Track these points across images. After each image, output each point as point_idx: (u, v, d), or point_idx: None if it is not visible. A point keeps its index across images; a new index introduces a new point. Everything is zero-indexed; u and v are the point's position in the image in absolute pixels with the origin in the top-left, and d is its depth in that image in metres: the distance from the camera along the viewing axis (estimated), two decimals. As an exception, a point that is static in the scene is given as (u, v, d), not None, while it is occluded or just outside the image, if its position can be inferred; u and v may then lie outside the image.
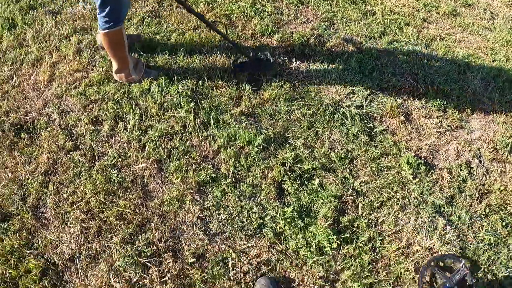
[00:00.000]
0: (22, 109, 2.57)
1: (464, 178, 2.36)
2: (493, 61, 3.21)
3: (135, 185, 2.18)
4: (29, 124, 2.48)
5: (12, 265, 1.88)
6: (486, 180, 2.38)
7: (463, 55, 3.20)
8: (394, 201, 2.20)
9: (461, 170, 2.39)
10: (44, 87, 2.71)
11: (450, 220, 2.16)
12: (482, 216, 2.20)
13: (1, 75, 2.80)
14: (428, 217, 2.15)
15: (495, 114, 2.77)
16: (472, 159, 2.48)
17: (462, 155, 2.51)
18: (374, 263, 1.98)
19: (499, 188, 2.32)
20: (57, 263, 1.91)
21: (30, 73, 2.81)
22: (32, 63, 2.88)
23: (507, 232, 2.14)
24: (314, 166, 2.26)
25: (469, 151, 2.53)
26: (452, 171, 2.39)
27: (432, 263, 1.94)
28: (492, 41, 3.49)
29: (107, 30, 2.29)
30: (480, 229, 2.15)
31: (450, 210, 2.21)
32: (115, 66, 2.56)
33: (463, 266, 1.90)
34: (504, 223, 2.16)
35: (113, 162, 2.26)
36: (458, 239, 2.08)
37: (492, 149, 2.53)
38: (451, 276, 1.89)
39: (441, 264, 1.99)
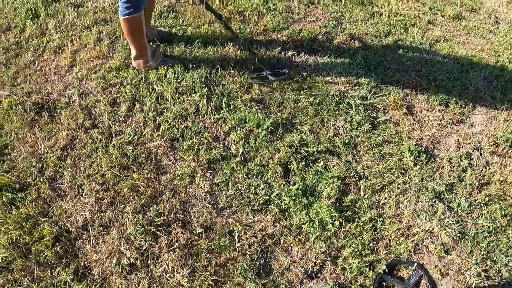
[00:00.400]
0: (43, 90, 2.73)
1: (464, 168, 2.43)
2: (496, 62, 3.29)
3: (149, 161, 2.30)
4: (50, 104, 2.63)
5: (26, 231, 2.00)
6: (486, 171, 2.44)
7: (466, 56, 3.29)
8: (395, 185, 2.28)
9: (461, 160, 2.46)
10: (65, 71, 2.87)
11: (450, 206, 2.23)
12: (482, 204, 2.26)
13: (24, 60, 2.97)
14: (428, 202, 2.22)
15: (496, 111, 2.85)
16: (473, 151, 2.55)
17: (462, 146, 2.58)
18: (375, 242, 2.05)
19: (499, 179, 2.38)
20: (70, 230, 2.03)
21: (52, 59, 2.98)
22: (54, 50, 3.05)
23: (506, 222, 2.19)
24: (319, 149, 2.37)
25: (470, 143, 2.60)
26: (452, 161, 2.46)
27: (382, 276, 1.96)
28: (496, 44, 3.58)
29: (127, 16, 2.44)
30: (480, 216, 2.21)
31: (450, 197, 2.27)
32: (133, 52, 2.71)
33: (416, 268, 1.95)
34: (503, 213, 2.21)
35: (129, 139, 2.40)
36: (458, 224, 2.14)
37: (492, 143, 2.59)
38: (407, 281, 1.94)
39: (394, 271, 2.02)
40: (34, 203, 2.12)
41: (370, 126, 2.56)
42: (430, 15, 3.87)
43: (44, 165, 2.29)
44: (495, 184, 2.37)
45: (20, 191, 2.18)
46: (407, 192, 2.27)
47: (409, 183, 2.30)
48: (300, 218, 2.08)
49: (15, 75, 2.85)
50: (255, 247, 1.98)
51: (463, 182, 2.36)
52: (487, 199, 2.29)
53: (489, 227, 2.15)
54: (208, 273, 1.88)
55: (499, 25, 3.96)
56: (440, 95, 2.86)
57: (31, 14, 3.42)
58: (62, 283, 1.82)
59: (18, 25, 3.33)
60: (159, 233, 2.00)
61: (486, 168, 2.47)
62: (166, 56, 2.90)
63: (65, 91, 2.72)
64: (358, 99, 2.71)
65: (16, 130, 2.47)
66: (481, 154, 2.55)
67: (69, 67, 2.90)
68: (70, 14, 3.39)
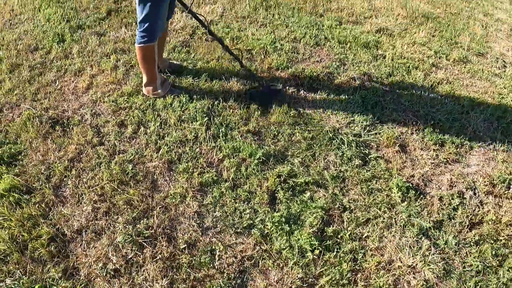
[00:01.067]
0: (60, 107, 3.01)
1: (456, 206, 2.49)
2: (498, 104, 3.37)
3: (146, 179, 2.50)
4: (64, 120, 2.90)
5: (26, 229, 2.20)
6: (479, 211, 2.49)
7: (468, 97, 3.38)
8: (380, 219, 2.39)
9: (452, 199, 2.53)
10: (82, 93, 3.16)
11: (436, 243, 2.27)
12: (472, 243, 2.28)
13: (46, 79, 3.29)
14: (413, 237, 2.29)
15: (495, 153, 2.92)
16: (466, 190, 2.61)
17: (455, 185, 2.65)
18: (354, 274, 2.13)
19: (492, 219, 2.42)
20: (65, 233, 2.21)
21: (71, 80, 3.29)
22: (75, 73, 3.36)
23: (498, 262, 2.20)
24: (307, 181, 2.53)
25: (463, 182, 2.66)
26: (443, 199, 2.53)
27: None
28: (501, 87, 3.68)
29: (142, 45, 2.74)
30: (468, 255, 2.23)
31: (437, 234, 2.33)
32: (144, 79, 3.00)
33: None
34: (495, 253, 2.23)
35: (130, 158, 2.62)
36: (443, 261, 2.18)
37: (488, 183, 2.65)
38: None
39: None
40: (37, 205, 2.33)
41: (360, 161, 2.72)
42: (435, 59, 4.04)
43: (51, 173, 2.52)
44: (487, 223, 2.41)
45: (27, 193, 2.40)
46: (392, 227, 2.36)
47: (395, 218, 2.40)
48: (281, 244, 2.21)
49: (37, 91, 3.15)
50: (234, 267, 2.12)
51: (452, 220, 2.41)
52: (477, 238, 2.32)
53: (477, 266, 2.17)
54: (185, 286, 2.02)
55: (506, 69, 4.07)
56: (435, 134, 2.97)
57: (58, 38, 3.79)
58: (50, 279, 1.98)
59: (45, 47, 3.69)
60: (145, 244, 2.16)
61: (479, 207, 2.52)
62: (174, 86, 3.18)
63: (79, 110, 3.00)
64: (352, 135, 2.89)
65: (30, 140, 2.72)
66: (475, 193, 2.58)
67: (86, 89, 3.19)
68: (93, 41, 3.75)
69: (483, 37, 4.81)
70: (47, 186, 2.44)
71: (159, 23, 2.70)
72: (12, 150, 2.68)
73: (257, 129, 2.87)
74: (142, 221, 2.27)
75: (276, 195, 2.46)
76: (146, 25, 2.65)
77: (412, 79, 3.62)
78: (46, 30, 3.92)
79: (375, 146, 2.89)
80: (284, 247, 2.20)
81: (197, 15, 2.78)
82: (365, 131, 2.98)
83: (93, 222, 2.27)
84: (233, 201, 2.40)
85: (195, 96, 3.07)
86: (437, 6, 5.59)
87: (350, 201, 2.48)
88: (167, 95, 3.06)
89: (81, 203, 2.36)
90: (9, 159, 2.62)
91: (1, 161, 2.59)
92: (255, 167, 2.58)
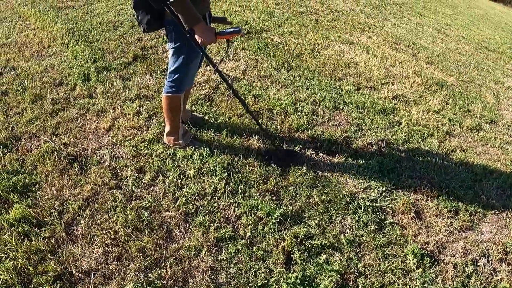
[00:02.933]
0: (79, 145, 3.11)
1: (469, 274, 2.56)
2: (511, 172, 3.53)
3: (161, 228, 2.55)
4: (82, 158, 2.99)
5: (32, 263, 2.21)
6: (492, 278, 2.57)
7: (481, 165, 3.55)
8: (395, 285, 2.42)
9: (466, 266, 2.60)
10: (103, 133, 3.28)
11: None
12: None
13: (68, 115, 3.42)
14: None
15: (508, 220, 3.04)
16: (480, 258, 2.70)
17: (469, 253, 2.73)
18: None
19: (506, 287, 2.49)
20: (73, 273, 2.22)
21: (93, 119, 3.42)
22: (97, 113, 3.51)
23: None
24: (323, 244, 2.59)
25: (477, 250, 2.75)
26: (457, 266, 2.60)
27: None
28: None
29: (169, 95, 2.91)
30: None
31: None
32: (167, 128, 3.13)
33: None
34: None
35: (147, 205, 2.68)
36: None
37: (501, 251, 2.74)
38: None
39: None
40: (46, 240, 2.35)
41: (376, 227, 2.80)
42: (449, 126, 4.28)
43: (65, 209, 2.56)
44: (501, 291, 2.48)
45: (37, 226, 2.44)
46: None
47: (409, 285, 2.44)
48: (295, 307, 2.23)
49: (57, 126, 3.27)
50: (245, 329, 2.12)
51: None
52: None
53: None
54: None
55: (517, 137, 4.30)
56: (450, 202, 3.10)
57: (83, 77, 3.98)
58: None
59: (69, 83, 3.87)
60: (156, 296, 2.17)
61: (492, 275, 2.59)
62: (195, 138, 3.31)
63: (99, 150, 3.10)
64: (368, 200, 3.00)
65: (46, 173, 2.79)
66: (488, 261, 2.68)
67: (107, 130, 3.32)
68: (117, 84, 3.94)
69: (494, 105, 5.15)
70: (58, 222, 2.48)
71: (189, 76, 2.91)
72: (27, 180, 2.74)
73: (275, 188, 2.97)
74: (154, 270, 2.28)
75: (292, 256, 2.51)
76: (176, 76, 2.84)
77: (427, 146, 3.82)
78: (73, 67, 4.13)
79: (391, 212, 2.99)
80: (298, 312, 2.22)
81: (223, 74, 2.96)
82: (381, 196, 3.09)
83: (103, 265, 2.28)
84: (248, 259, 2.43)
85: (215, 150, 3.20)
86: (450, 74, 5.99)
87: (365, 266, 2.53)
88: (188, 147, 3.18)
89: (92, 245, 2.39)
90: (23, 189, 2.68)
91: (15, 189, 2.65)
92: (272, 226, 2.65)
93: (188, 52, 2.74)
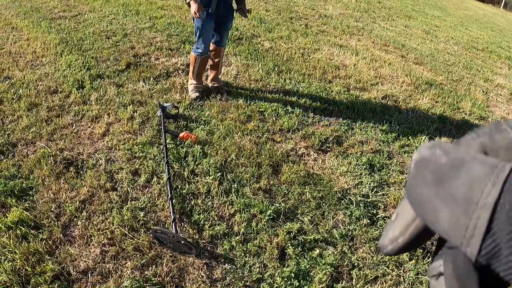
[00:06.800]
0: (75, 150, 3.18)
1: None
2: None
3: (157, 227, 2.61)
4: (78, 162, 3.05)
5: (30, 264, 2.26)
6: None
7: None
8: (388, 277, 2.49)
9: None
10: (98, 138, 3.35)
11: None
12: None
13: (64, 121, 3.48)
14: None
15: None
16: None
17: None
18: None
19: None
20: (71, 272, 2.28)
21: (88, 125, 3.49)
22: (92, 119, 3.57)
23: None
24: (316, 238, 2.66)
25: None
26: None
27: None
28: None
29: (191, 53, 3.99)
30: None
31: None
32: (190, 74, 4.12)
33: None
34: None
35: (142, 206, 2.74)
36: None
37: None
38: None
39: None
40: (44, 242, 2.40)
41: (368, 221, 2.87)
42: (439, 123, 4.40)
43: (62, 212, 2.62)
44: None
45: (34, 228, 2.49)
46: (401, 285, 2.47)
47: (403, 276, 2.51)
48: (289, 301, 2.30)
49: (53, 132, 3.34)
50: (241, 322, 2.18)
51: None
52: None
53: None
54: (192, 338, 2.06)
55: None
56: None
57: (77, 84, 4.05)
58: (55, 317, 2.02)
59: (64, 91, 3.94)
60: (153, 292, 2.23)
61: None
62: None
63: (94, 154, 3.16)
64: (360, 196, 3.08)
65: (43, 177, 2.85)
66: None
67: (102, 135, 3.38)
68: (111, 91, 4.01)
69: (484, 102, 5.26)
70: (56, 224, 2.53)
71: (201, 40, 3.79)
72: (24, 184, 2.80)
73: (268, 187, 3.04)
74: (150, 268, 2.34)
75: (286, 251, 2.57)
76: (200, 40, 3.80)
77: (417, 143, 3.92)
78: (67, 75, 4.20)
79: (383, 207, 3.07)
80: (292, 306, 2.28)
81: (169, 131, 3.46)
82: (373, 192, 3.17)
83: (100, 264, 2.34)
84: (243, 254, 2.50)
85: (208, 152, 3.27)
86: (440, 73, 6.11)
87: (359, 259, 2.60)
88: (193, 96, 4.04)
89: (89, 245, 2.44)
90: (20, 193, 2.74)
91: (12, 194, 2.71)
92: (265, 223, 2.72)
93: (196, 21, 3.67)
